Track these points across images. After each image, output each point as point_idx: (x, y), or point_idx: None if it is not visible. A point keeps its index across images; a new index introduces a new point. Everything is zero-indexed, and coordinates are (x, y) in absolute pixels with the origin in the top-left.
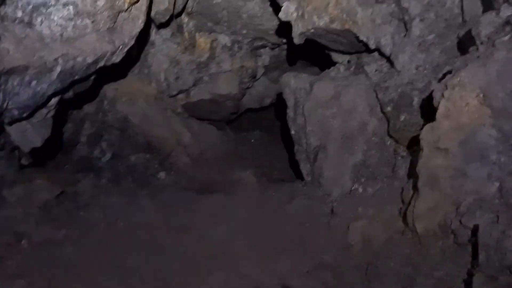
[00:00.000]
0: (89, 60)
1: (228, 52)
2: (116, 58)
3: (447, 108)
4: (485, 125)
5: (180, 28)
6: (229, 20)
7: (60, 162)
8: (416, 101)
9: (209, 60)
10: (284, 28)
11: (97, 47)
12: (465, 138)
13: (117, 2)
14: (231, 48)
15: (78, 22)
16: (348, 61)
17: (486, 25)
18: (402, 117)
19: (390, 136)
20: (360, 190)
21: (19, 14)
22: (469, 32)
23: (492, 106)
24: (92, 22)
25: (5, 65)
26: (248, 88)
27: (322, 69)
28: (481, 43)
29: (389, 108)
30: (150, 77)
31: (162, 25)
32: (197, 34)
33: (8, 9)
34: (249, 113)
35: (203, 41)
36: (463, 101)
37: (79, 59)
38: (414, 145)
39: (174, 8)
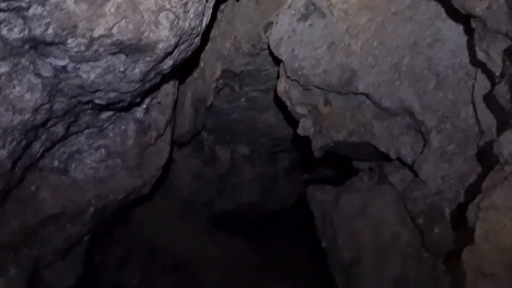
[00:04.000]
0: (120, 197)
1: (247, 161)
2: (145, 190)
3: (485, 231)
4: None
5: (200, 144)
6: (247, 131)
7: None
8: (448, 212)
9: (230, 171)
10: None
11: (127, 183)
12: (509, 262)
13: (144, 138)
14: (251, 157)
15: (109, 162)
16: (370, 168)
17: (507, 144)
18: (436, 230)
19: (426, 249)
20: None
21: (56, 163)
22: (489, 144)
23: None
24: (122, 160)
25: (42, 215)
26: (270, 193)
27: (342, 173)
28: (505, 162)
29: (420, 220)
30: (174, 193)
31: (183, 144)
32: (216, 147)
33: (46, 161)
34: (273, 215)
35: (223, 153)
36: (499, 223)
37: (111, 197)
38: (452, 259)
39: (195, 128)
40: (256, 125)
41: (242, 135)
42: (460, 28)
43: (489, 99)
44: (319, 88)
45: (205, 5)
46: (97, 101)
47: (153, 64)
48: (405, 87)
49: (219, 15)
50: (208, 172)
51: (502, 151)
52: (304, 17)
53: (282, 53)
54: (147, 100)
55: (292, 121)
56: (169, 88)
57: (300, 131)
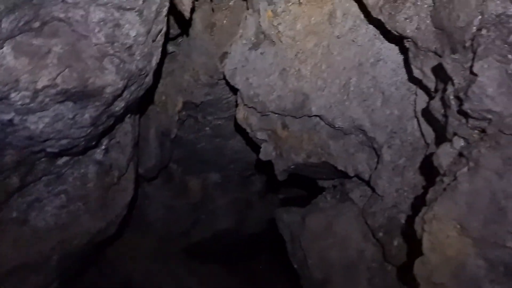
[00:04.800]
0: (85, 240)
1: (220, 188)
2: (111, 231)
3: (431, 242)
4: (470, 255)
5: (170, 176)
6: (216, 159)
7: None
8: (405, 225)
9: (203, 199)
10: None
11: (91, 226)
12: (456, 270)
13: (106, 179)
14: (222, 184)
15: (71, 207)
16: (334, 186)
17: (444, 156)
18: (396, 242)
19: (389, 262)
20: None
21: (14, 214)
22: (430, 156)
23: (471, 236)
24: (84, 204)
25: (3, 269)
26: (246, 217)
27: (312, 192)
28: (444, 174)
29: (381, 234)
30: (148, 228)
31: (152, 178)
32: (187, 177)
33: (3, 213)
34: (251, 238)
35: (194, 182)
36: (443, 234)
37: (76, 242)
38: (407, 271)
39: (161, 162)
40: (224, 152)
41: (212, 163)
42: (398, 47)
43: (427, 113)
44: (275, 113)
45: (152, 45)
46: (49, 150)
47: (103, 108)
48: (354, 107)
49: (176, 49)
50: (181, 203)
51: (441, 163)
52: (255, 46)
53: (238, 82)
54: (105, 141)
55: (256, 146)
56: (127, 126)
57: (262, 156)
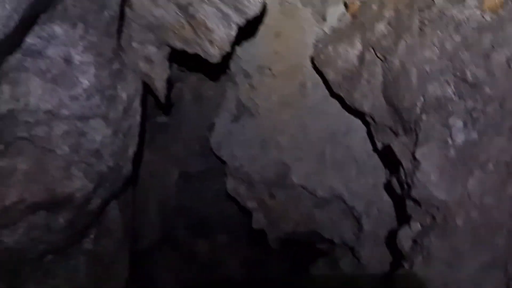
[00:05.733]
0: None
1: (228, 249)
2: None
3: None
4: None
5: (175, 242)
6: (222, 221)
7: None
8: None
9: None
10: None
11: None
12: None
13: (97, 267)
14: (230, 244)
15: None
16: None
17: (404, 239)
18: None
19: None
20: None
21: None
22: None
23: None
24: None
25: None
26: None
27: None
28: (405, 258)
29: None
30: None
31: (157, 249)
32: (194, 241)
33: None
34: None
35: (201, 246)
36: None
37: None
38: None
39: (164, 232)
40: (232, 215)
41: (219, 225)
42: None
43: (389, 188)
44: (261, 183)
45: (125, 139)
46: (29, 256)
47: (76, 210)
48: (332, 176)
49: (166, 119)
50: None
51: (403, 246)
52: (236, 119)
53: (223, 154)
54: (93, 231)
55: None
56: (114, 212)
57: (254, 224)
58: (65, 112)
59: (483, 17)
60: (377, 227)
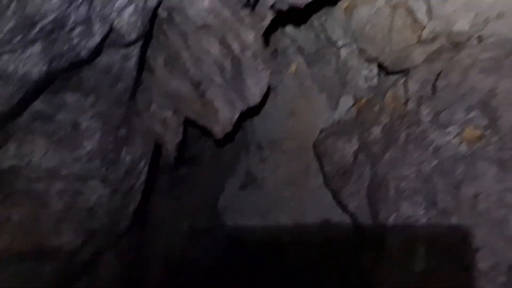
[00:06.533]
0: None
1: None
2: None
3: None
4: None
5: None
6: None
7: None
8: None
9: None
10: None
11: None
12: None
13: None
14: None
15: None
16: None
17: None
18: None
19: None
20: None
21: None
22: None
23: None
24: None
25: None
26: None
27: None
28: None
29: None
30: None
31: None
32: None
33: None
34: None
35: None
36: None
37: None
38: None
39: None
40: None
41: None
42: None
43: None
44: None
45: (123, 200)
46: None
47: (63, 263)
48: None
49: (188, 171)
50: None
51: None
52: (244, 187)
53: (226, 219)
54: (84, 279)
55: None
56: (110, 260)
57: None
58: (65, 171)
59: (459, 147)
60: None
